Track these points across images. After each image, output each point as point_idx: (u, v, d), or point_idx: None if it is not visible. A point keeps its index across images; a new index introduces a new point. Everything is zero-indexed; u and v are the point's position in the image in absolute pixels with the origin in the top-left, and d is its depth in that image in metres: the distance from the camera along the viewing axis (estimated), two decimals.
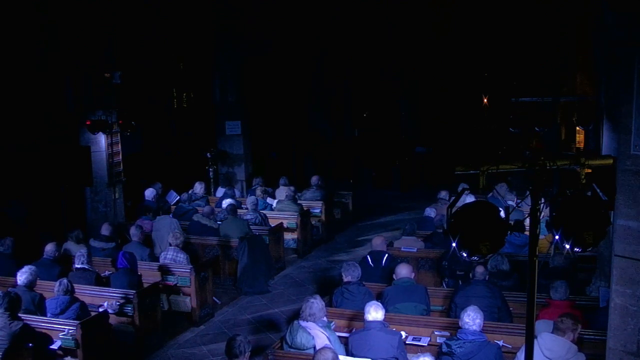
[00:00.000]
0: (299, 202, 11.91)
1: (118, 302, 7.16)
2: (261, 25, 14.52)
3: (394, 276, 6.89)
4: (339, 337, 6.03)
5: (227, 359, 4.94)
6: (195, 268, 8.22)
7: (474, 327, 5.38)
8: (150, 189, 11.19)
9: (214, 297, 8.76)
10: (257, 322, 8.42)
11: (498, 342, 5.67)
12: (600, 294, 6.48)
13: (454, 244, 3.43)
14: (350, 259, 10.39)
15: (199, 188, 12.22)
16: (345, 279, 6.90)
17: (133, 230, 8.91)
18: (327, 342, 5.59)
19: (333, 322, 6.42)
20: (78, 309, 6.63)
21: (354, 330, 6.21)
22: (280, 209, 11.57)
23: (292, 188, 12.00)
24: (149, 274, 8.08)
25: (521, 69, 19.18)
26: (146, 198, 11.10)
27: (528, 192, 3.62)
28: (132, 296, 7.15)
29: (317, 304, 5.74)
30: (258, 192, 12.10)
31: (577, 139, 18.37)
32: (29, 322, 6.12)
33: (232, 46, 14.09)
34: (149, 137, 14.47)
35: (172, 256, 8.48)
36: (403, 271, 6.80)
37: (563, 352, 5.05)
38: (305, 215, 11.40)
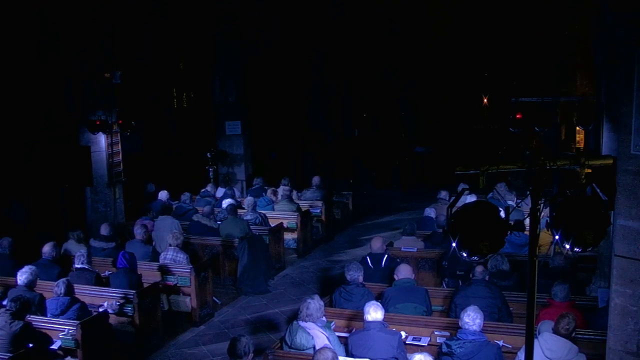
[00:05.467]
0: (296, 201, 11.93)
1: (118, 302, 7.16)
2: (261, 25, 14.53)
3: (394, 276, 6.89)
4: (339, 337, 6.03)
5: (230, 359, 4.93)
6: (195, 268, 8.21)
7: (474, 327, 5.38)
8: (164, 191, 11.27)
9: (214, 297, 8.76)
10: (257, 322, 8.42)
11: (498, 342, 5.67)
12: (600, 294, 6.48)
13: (454, 244, 3.43)
14: (350, 259, 10.40)
15: (210, 187, 12.77)
16: (346, 279, 6.91)
17: (137, 230, 8.93)
18: (327, 342, 5.59)
19: (333, 322, 6.42)
20: (78, 309, 6.62)
21: (353, 330, 6.21)
22: (277, 209, 11.61)
23: (287, 187, 12.06)
24: (149, 274, 8.08)
25: (521, 69, 19.18)
26: (159, 198, 11.15)
27: (528, 192, 3.62)
28: (132, 296, 7.14)
29: (314, 304, 5.74)
30: (269, 192, 12.29)
31: (577, 139, 18.38)
32: (28, 322, 6.12)
33: (232, 46, 14.10)
34: (149, 137, 14.47)
35: (172, 256, 8.48)
36: (404, 271, 6.80)
37: (564, 353, 5.05)
38: (305, 215, 11.41)
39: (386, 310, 6.14)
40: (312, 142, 18.25)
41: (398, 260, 8.08)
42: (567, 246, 3.42)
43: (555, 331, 5.21)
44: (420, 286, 7.02)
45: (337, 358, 4.88)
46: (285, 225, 10.95)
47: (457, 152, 18.70)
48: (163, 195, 11.25)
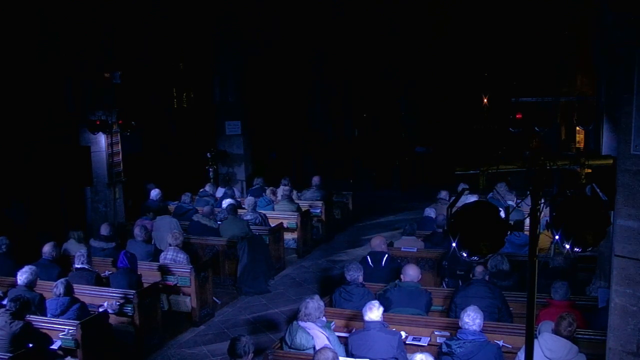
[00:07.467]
0: (296, 201, 11.94)
1: (118, 302, 7.16)
2: (261, 25, 14.52)
3: (400, 276, 6.85)
4: (339, 337, 6.03)
5: (230, 359, 4.93)
6: (195, 268, 8.21)
7: (474, 327, 5.38)
8: (156, 190, 11.24)
9: (214, 297, 8.76)
10: (257, 322, 8.42)
11: (498, 342, 5.66)
12: (600, 294, 6.48)
13: (454, 244, 3.43)
14: (350, 259, 10.40)
15: (209, 187, 12.73)
16: (346, 279, 6.90)
17: (137, 231, 8.94)
18: (327, 342, 5.59)
19: (333, 322, 6.42)
20: (78, 309, 6.62)
21: (353, 330, 6.21)
22: (277, 209, 11.61)
23: (287, 187, 12.09)
24: (149, 274, 8.08)
25: (521, 69, 19.18)
26: (151, 197, 11.14)
27: (528, 192, 3.62)
28: (132, 296, 7.14)
29: (312, 303, 5.74)
30: (268, 192, 12.27)
31: (577, 139, 18.38)
32: (28, 322, 6.12)
33: (232, 46, 14.10)
34: (149, 137, 14.48)
35: (172, 256, 8.48)
36: (410, 274, 6.72)
37: (564, 353, 5.05)
38: (305, 215, 11.41)
39: (386, 311, 6.14)
40: (312, 142, 18.24)
41: (399, 260, 8.08)
42: (567, 246, 3.42)
43: (556, 332, 5.21)
44: (425, 290, 6.89)
45: (337, 358, 4.88)
46: (285, 225, 10.95)
47: (457, 152, 18.70)
48: (154, 194, 11.22)
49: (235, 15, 13.81)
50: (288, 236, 11.18)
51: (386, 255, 7.87)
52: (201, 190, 12.71)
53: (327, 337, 5.66)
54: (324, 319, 5.91)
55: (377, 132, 20.70)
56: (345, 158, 18.75)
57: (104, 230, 9.09)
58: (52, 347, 6.28)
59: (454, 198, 4.14)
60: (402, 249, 8.74)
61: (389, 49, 18.82)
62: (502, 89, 20.38)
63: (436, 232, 9.18)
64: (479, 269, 6.64)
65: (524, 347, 3.84)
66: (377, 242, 8.05)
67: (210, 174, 13.93)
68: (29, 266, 6.86)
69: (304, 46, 17.13)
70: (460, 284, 7.35)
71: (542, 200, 3.52)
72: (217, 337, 7.91)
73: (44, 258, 7.73)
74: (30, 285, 6.75)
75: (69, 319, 6.47)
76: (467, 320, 5.40)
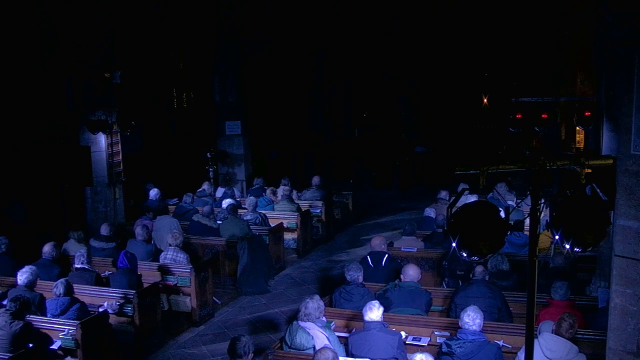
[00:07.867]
0: (296, 201, 11.94)
1: (118, 302, 7.16)
2: (261, 25, 14.53)
3: (400, 276, 6.86)
4: (339, 337, 6.03)
5: (230, 359, 4.93)
6: (195, 268, 8.21)
7: (474, 327, 5.38)
8: (155, 190, 11.24)
9: (214, 297, 8.76)
10: (257, 322, 8.42)
11: (498, 342, 5.67)
12: (600, 294, 6.48)
13: (454, 244, 3.43)
14: (350, 259, 10.41)
15: (207, 186, 12.63)
16: (346, 279, 6.90)
17: (138, 230, 8.94)
18: (327, 342, 5.59)
19: (333, 322, 6.42)
20: (78, 309, 6.62)
21: (353, 330, 6.21)
22: (277, 209, 11.62)
23: (287, 187, 12.09)
24: (149, 274, 8.08)
25: (521, 69, 19.19)
26: (150, 198, 11.14)
27: (528, 192, 3.62)
28: (132, 296, 7.15)
29: (312, 303, 5.74)
30: (268, 192, 12.27)
31: (577, 139, 18.39)
32: (28, 322, 6.11)
33: (232, 46, 14.10)
34: (149, 137, 14.48)
35: (172, 256, 8.48)
36: (410, 274, 6.73)
37: (564, 353, 5.05)
38: (305, 215, 11.40)
39: (386, 311, 6.14)
40: (312, 142, 18.24)
41: (399, 260, 8.08)
42: (567, 246, 3.42)
43: (557, 333, 5.21)
44: (425, 290, 6.88)
45: (338, 358, 4.88)
46: (285, 225, 10.95)
47: (457, 152, 18.70)
48: (153, 194, 11.20)
49: (235, 16, 13.81)
50: (288, 236, 11.18)
51: (386, 255, 7.87)
52: (199, 190, 12.70)
53: (327, 337, 5.66)
54: (324, 319, 5.91)
55: (377, 132, 20.69)
56: (345, 158, 18.74)
57: (104, 230, 9.08)
58: (52, 347, 6.28)
59: (454, 198, 4.14)
60: (402, 249, 8.74)
61: (389, 49, 18.82)
62: (502, 89, 20.38)
63: (436, 232, 9.18)
64: (479, 269, 6.64)
65: (524, 347, 3.84)
66: (377, 242, 8.04)
67: (210, 174, 13.93)
68: (29, 266, 6.86)
69: (304, 46, 17.13)
70: (460, 284, 7.35)
71: (542, 200, 3.52)
72: (217, 337, 7.92)
73: (44, 258, 7.73)
74: (30, 285, 6.74)
75: (69, 319, 6.47)
76: (467, 320, 5.40)
